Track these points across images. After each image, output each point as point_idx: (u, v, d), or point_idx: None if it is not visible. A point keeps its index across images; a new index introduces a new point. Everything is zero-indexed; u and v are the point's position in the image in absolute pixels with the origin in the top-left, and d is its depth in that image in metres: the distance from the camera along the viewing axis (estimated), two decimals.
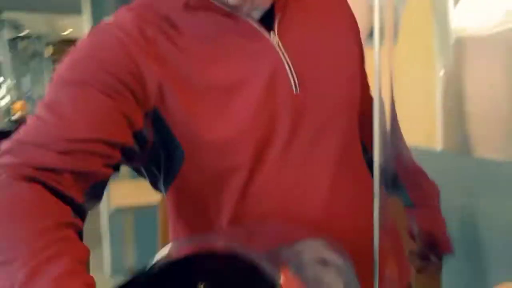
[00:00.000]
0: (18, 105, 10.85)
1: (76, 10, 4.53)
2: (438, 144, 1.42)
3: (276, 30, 0.69)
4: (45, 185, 0.59)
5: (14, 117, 8.92)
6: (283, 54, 0.68)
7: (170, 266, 0.51)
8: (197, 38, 0.66)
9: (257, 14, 0.69)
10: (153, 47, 0.66)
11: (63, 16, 10.12)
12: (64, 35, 13.78)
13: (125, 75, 0.64)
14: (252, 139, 0.66)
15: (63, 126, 0.63)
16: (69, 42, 14.45)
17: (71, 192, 0.60)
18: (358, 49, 0.76)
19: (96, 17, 2.97)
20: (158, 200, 1.42)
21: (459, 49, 1.27)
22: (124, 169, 0.76)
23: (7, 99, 8.85)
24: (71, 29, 13.01)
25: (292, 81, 0.68)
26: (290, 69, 0.68)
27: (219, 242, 0.57)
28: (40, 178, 0.59)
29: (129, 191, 2.50)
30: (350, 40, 0.76)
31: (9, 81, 10.12)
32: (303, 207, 0.69)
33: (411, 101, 1.38)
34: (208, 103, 0.65)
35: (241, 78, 0.66)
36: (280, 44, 0.69)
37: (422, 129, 1.40)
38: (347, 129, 0.73)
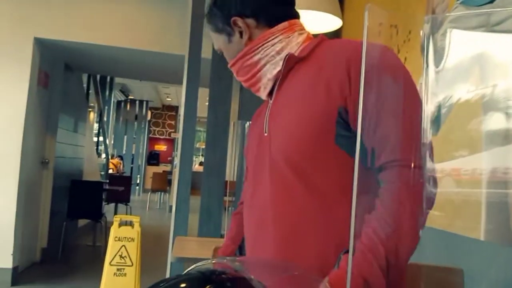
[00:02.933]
0: (114, 162, 11.84)
1: (177, 80, 5.01)
2: (481, 234, 1.38)
3: (273, 94, 1.04)
4: None
5: (109, 172, 9.70)
6: (269, 110, 1.03)
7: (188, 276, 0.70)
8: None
9: (266, 92, 1.07)
10: None
11: (166, 85, 11.14)
12: (165, 101, 15.07)
13: None
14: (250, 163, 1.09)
15: None
16: (168, 108, 15.76)
17: None
18: (325, 98, 0.92)
19: (192, 89, 3.30)
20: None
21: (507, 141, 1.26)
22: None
23: (105, 155, 9.67)
24: (170, 98, 14.21)
25: (265, 127, 1.02)
26: (267, 119, 1.02)
27: (236, 265, 0.73)
28: None
29: (192, 247, 2.58)
30: (321, 92, 0.94)
31: (108, 141, 11.13)
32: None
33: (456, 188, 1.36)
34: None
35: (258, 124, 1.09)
36: (270, 105, 1.04)
37: (466, 218, 1.37)
38: (282, 160, 0.96)
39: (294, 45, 1.03)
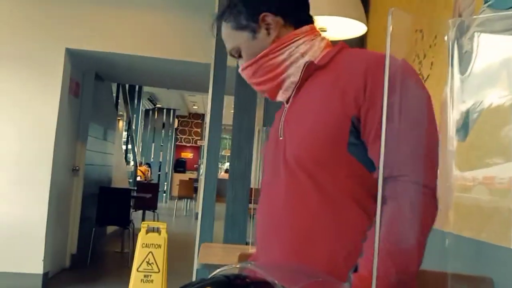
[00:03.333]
0: (142, 169, 12.02)
1: (203, 89, 5.06)
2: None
3: (290, 100, 1.05)
4: None
5: (137, 179, 9.85)
6: (284, 114, 1.05)
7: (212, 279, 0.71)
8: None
9: (285, 97, 1.08)
10: None
11: (192, 93, 11.27)
12: (191, 109, 15.25)
13: None
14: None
15: None
16: (195, 116, 15.93)
17: None
18: (340, 106, 0.93)
19: (218, 97, 3.34)
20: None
21: None
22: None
23: (133, 163, 9.84)
24: (196, 106, 14.37)
25: (280, 131, 1.04)
26: (282, 124, 1.04)
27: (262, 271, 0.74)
28: None
29: (217, 253, 2.59)
30: (336, 100, 0.95)
31: (137, 148, 11.31)
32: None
33: (487, 196, 1.32)
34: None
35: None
36: (286, 110, 1.05)
37: (497, 226, 1.32)
38: (295, 163, 0.97)
39: (317, 49, 1.03)
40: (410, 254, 0.83)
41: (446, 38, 1.47)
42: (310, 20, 1.08)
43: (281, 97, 1.07)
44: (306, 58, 1.02)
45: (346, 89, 0.92)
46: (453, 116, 1.05)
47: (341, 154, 0.92)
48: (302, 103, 1.02)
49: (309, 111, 0.98)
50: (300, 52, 1.03)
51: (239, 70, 1.09)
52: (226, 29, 1.08)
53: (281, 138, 1.03)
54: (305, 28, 1.05)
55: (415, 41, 1.89)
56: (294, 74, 1.02)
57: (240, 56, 1.08)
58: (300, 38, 1.04)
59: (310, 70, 1.01)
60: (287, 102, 1.06)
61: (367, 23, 2.26)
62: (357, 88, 0.91)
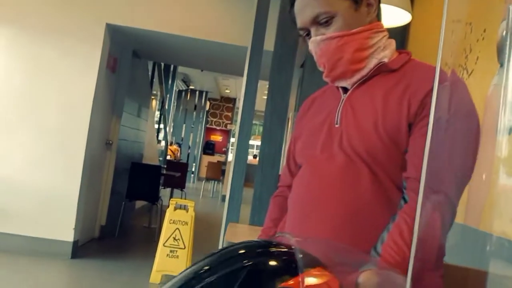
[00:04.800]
0: (172, 148, 12.21)
1: (237, 72, 5.06)
2: None
3: (348, 92, 1.05)
4: None
5: (167, 158, 10.01)
6: (342, 103, 1.04)
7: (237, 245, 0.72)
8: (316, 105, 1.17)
9: (348, 84, 1.06)
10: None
11: (225, 76, 11.31)
12: (223, 93, 15.31)
13: None
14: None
15: None
16: (226, 100, 16.01)
17: None
18: (406, 114, 0.96)
19: (252, 80, 3.33)
20: None
21: None
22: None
23: (164, 142, 10.00)
24: (228, 90, 14.42)
25: (337, 118, 1.03)
26: (340, 112, 1.03)
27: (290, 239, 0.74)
28: None
29: (244, 232, 2.61)
30: (404, 108, 0.96)
31: (168, 128, 11.48)
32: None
33: None
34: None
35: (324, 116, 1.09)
36: (344, 100, 1.04)
37: None
38: (354, 154, 0.99)
39: (393, 48, 1.05)
40: (428, 248, 0.86)
41: (499, 31, 1.41)
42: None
43: (345, 83, 1.05)
44: (387, 53, 1.03)
45: (411, 102, 0.95)
46: (505, 119, 1.03)
47: (398, 155, 0.96)
48: (364, 98, 1.01)
49: (372, 109, 0.99)
50: (383, 44, 1.03)
51: (319, 38, 1.00)
52: None
53: (337, 126, 1.03)
54: (382, 24, 1.06)
55: (464, 35, 1.83)
56: (373, 62, 1.02)
57: (326, 23, 0.99)
58: (383, 31, 1.04)
59: (382, 69, 1.02)
60: (344, 91, 1.06)
61: (412, 11, 2.20)
62: (419, 105, 0.94)
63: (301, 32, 1.05)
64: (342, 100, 1.05)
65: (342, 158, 0.99)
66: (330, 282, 0.65)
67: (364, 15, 1.01)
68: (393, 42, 1.06)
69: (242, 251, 0.71)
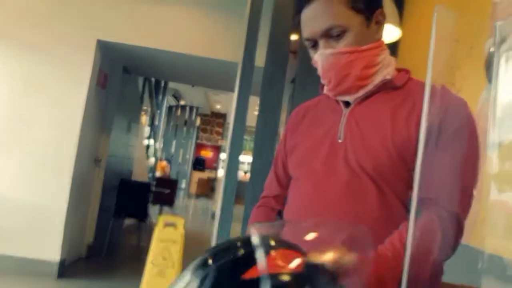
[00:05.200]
0: (162, 164, 12.12)
1: (228, 87, 5.06)
2: None
3: (351, 106, 1.04)
4: None
5: (156, 174, 9.93)
6: (345, 118, 1.03)
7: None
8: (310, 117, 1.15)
9: (351, 99, 1.05)
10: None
11: (216, 92, 11.32)
12: (214, 108, 15.31)
13: None
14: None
15: None
16: (217, 115, 16.00)
17: None
18: (414, 132, 0.96)
19: (243, 96, 3.32)
20: None
21: None
22: None
23: (153, 158, 9.93)
24: (219, 106, 14.42)
25: (340, 134, 1.02)
26: (343, 127, 1.02)
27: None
28: None
29: None
30: (412, 126, 0.96)
31: (158, 144, 11.42)
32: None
33: None
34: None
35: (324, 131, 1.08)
36: (346, 114, 1.03)
37: None
38: (358, 168, 0.98)
39: (394, 66, 1.05)
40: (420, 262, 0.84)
41: (486, 47, 1.42)
42: None
43: (348, 98, 1.05)
44: (389, 70, 1.03)
45: (420, 117, 0.94)
46: (493, 135, 1.03)
47: (404, 172, 0.96)
48: (370, 113, 1.01)
49: (379, 125, 0.99)
50: (388, 61, 1.04)
51: (328, 52, 0.98)
52: (338, 4, 0.98)
53: (339, 141, 1.02)
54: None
55: (452, 52, 1.84)
56: (373, 83, 1.02)
57: (337, 37, 0.98)
58: (386, 48, 1.05)
59: (386, 86, 1.02)
60: (346, 106, 1.06)
61: (401, 28, 2.21)
62: (438, 122, 0.92)
63: (307, 43, 1.03)
64: (345, 115, 1.04)
65: (347, 173, 0.98)
66: (290, 259, 0.64)
67: (374, 32, 1.01)
68: (393, 60, 1.07)
69: (208, 255, 0.70)
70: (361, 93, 1.02)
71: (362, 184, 0.97)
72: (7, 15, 4.01)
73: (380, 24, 1.03)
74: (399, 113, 0.98)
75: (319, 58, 1.00)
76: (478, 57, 1.65)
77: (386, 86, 1.02)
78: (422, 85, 1.01)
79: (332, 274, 0.69)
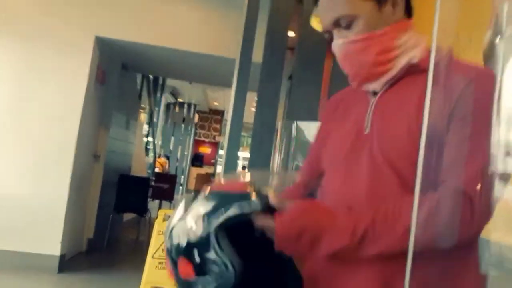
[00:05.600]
0: (161, 161, 12.14)
1: (226, 83, 5.09)
2: None
3: (377, 96, 1.00)
4: None
5: (155, 170, 9.95)
6: (372, 107, 0.99)
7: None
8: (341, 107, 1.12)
9: (376, 87, 1.01)
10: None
11: (214, 89, 11.33)
12: (212, 105, 15.33)
13: None
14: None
15: None
16: (215, 112, 16.01)
17: None
18: (441, 119, 0.91)
19: (241, 92, 3.36)
20: None
21: None
22: None
23: (152, 155, 9.95)
24: (217, 103, 14.44)
25: (367, 124, 0.99)
26: (370, 117, 0.99)
27: None
28: None
29: None
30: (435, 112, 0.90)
31: (157, 141, 11.43)
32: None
33: None
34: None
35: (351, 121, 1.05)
36: (373, 104, 0.99)
37: None
38: (382, 160, 0.95)
39: (424, 46, 0.97)
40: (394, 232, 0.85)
41: (485, 39, 1.44)
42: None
43: (372, 86, 0.99)
44: (416, 52, 0.96)
45: (446, 102, 0.89)
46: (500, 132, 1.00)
47: None
48: (395, 102, 0.97)
49: (405, 114, 0.93)
50: (413, 43, 0.96)
51: (340, 42, 0.96)
52: None
53: (366, 132, 0.98)
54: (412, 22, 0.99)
55: (452, 43, 1.87)
56: (396, 67, 0.96)
57: (347, 27, 0.95)
58: (413, 28, 0.98)
59: (411, 70, 0.96)
60: (374, 94, 1.00)
61: None
62: (453, 106, 0.88)
63: (326, 35, 1.01)
64: (372, 104, 0.99)
65: (371, 166, 0.95)
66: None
67: (389, 14, 0.95)
68: (423, 39, 0.98)
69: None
70: (383, 79, 0.96)
71: (384, 177, 0.93)
72: (4, 12, 4.04)
73: (397, 5, 0.96)
74: (423, 98, 0.88)
75: (334, 49, 0.98)
76: (476, 50, 1.68)
77: (412, 70, 0.95)
78: (453, 65, 0.91)
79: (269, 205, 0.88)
